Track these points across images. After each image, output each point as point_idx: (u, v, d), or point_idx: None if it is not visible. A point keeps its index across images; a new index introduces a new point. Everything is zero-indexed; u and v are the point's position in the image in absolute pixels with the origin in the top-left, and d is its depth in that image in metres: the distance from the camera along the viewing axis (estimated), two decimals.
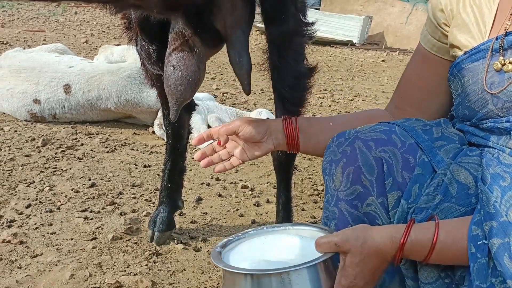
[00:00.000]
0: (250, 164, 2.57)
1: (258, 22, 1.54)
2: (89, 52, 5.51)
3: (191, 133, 1.92)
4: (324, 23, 8.04)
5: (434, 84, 1.22)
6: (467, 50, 1.10)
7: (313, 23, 1.41)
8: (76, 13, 8.92)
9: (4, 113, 3.08)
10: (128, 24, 1.63)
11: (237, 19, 1.30)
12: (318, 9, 9.57)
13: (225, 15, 1.28)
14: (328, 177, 1.12)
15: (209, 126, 2.96)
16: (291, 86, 1.44)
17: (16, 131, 2.82)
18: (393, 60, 7.26)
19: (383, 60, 7.03)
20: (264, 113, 3.00)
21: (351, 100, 4.33)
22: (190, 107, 1.83)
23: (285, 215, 1.65)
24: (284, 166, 1.62)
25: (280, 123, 1.24)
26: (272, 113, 2.98)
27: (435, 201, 0.99)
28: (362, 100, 4.37)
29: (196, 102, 1.93)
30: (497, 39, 1.06)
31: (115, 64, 3.15)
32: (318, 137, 1.24)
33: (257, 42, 7.00)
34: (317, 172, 2.59)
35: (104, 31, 7.45)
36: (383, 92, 4.83)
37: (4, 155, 2.44)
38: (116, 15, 1.35)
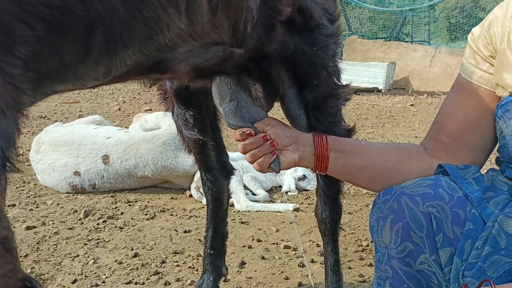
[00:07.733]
0: (290, 223, 2.55)
1: None
2: (122, 120, 5.71)
3: (230, 197, 1.93)
4: (348, 72, 8.11)
5: (475, 115, 1.16)
6: None
7: (347, 85, 1.43)
8: None
9: (46, 186, 3.18)
10: (164, 95, 1.69)
11: (290, 80, 1.34)
12: (340, 59, 9.73)
13: (281, 76, 1.33)
14: (376, 235, 1.10)
15: (245, 187, 2.97)
16: None
17: (58, 204, 2.89)
18: (422, 103, 7.22)
19: (411, 105, 7.00)
20: (300, 169, 2.99)
21: None
22: (228, 172, 1.84)
23: (334, 278, 1.61)
24: (330, 228, 1.59)
25: (310, 137, 1.24)
26: (308, 170, 2.97)
27: (483, 253, 0.96)
28: None
29: (232, 163, 1.94)
30: None
31: (150, 132, 3.24)
32: (348, 155, 1.23)
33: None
34: (359, 226, 2.54)
35: (135, 97, 7.74)
36: (416, 137, 4.78)
37: (49, 229, 2.49)
38: (152, 87, 1.40)
